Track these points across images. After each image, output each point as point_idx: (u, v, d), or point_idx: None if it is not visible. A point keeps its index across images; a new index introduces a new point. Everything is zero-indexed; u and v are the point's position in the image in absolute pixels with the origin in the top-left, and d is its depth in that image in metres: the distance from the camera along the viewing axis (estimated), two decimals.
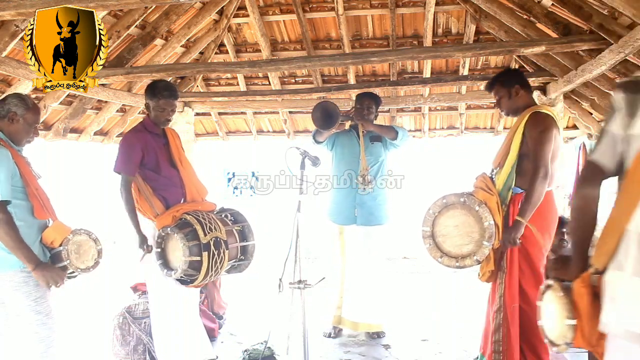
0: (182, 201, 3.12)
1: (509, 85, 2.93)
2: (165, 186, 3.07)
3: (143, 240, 2.96)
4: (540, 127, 2.75)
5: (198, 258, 2.84)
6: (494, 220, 2.74)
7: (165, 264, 2.95)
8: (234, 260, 3.12)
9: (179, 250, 2.84)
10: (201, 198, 3.21)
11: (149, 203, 2.99)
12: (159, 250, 2.95)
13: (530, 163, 2.75)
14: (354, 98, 5.57)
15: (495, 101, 3.07)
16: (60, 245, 2.48)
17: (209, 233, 2.88)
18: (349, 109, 3.80)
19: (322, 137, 3.89)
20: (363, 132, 3.89)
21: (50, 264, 2.47)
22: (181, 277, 2.91)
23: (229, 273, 3.20)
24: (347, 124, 4.20)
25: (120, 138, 5.66)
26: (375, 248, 3.89)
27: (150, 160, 3.03)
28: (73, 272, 2.55)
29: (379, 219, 3.88)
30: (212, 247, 2.87)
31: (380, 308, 3.93)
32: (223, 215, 3.18)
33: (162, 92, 3.04)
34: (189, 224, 2.91)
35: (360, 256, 3.88)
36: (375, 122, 3.97)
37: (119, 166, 2.98)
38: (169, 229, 2.88)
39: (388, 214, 3.94)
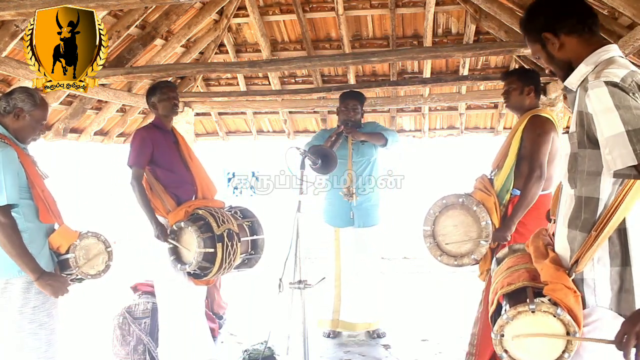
0: (193, 198, 3.17)
1: (526, 82, 2.96)
2: (178, 183, 3.13)
3: (162, 229, 2.96)
4: (538, 130, 2.81)
5: (212, 250, 2.88)
6: (491, 220, 2.79)
7: (178, 258, 2.97)
8: (244, 254, 3.14)
9: (193, 243, 2.86)
10: (211, 195, 3.27)
11: (161, 200, 3.05)
12: (171, 245, 2.96)
13: (527, 165, 2.80)
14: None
15: (504, 90, 3.07)
16: (67, 251, 2.39)
17: (222, 225, 2.92)
18: (338, 127, 3.78)
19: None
20: (352, 141, 3.87)
21: (54, 272, 2.35)
22: (195, 270, 2.92)
23: (239, 269, 3.21)
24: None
25: (120, 138, 5.74)
26: (372, 248, 3.91)
27: (161, 158, 3.09)
28: (82, 278, 2.46)
29: (375, 220, 3.92)
30: (226, 239, 2.92)
31: (377, 306, 3.93)
32: (232, 212, 3.24)
33: (160, 85, 3.21)
34: (202, 218, 2.96)
35: (357, 257, 3.89)
36: (363, 119, 4.01)
37: (131, 160, 3.03)
38: (182, 222, 2.92)
39: (382, 214, 3.98)
